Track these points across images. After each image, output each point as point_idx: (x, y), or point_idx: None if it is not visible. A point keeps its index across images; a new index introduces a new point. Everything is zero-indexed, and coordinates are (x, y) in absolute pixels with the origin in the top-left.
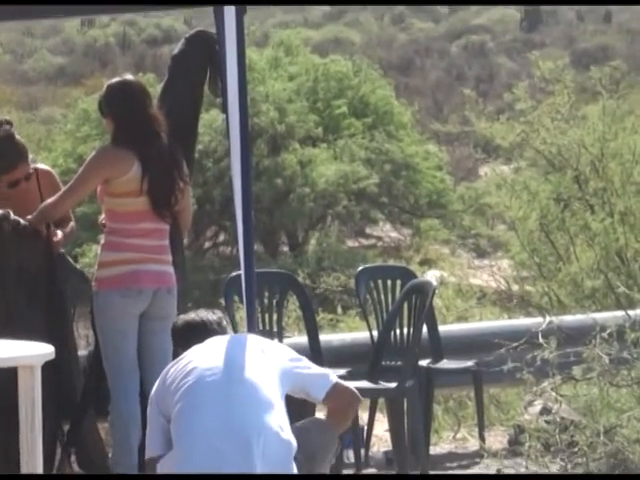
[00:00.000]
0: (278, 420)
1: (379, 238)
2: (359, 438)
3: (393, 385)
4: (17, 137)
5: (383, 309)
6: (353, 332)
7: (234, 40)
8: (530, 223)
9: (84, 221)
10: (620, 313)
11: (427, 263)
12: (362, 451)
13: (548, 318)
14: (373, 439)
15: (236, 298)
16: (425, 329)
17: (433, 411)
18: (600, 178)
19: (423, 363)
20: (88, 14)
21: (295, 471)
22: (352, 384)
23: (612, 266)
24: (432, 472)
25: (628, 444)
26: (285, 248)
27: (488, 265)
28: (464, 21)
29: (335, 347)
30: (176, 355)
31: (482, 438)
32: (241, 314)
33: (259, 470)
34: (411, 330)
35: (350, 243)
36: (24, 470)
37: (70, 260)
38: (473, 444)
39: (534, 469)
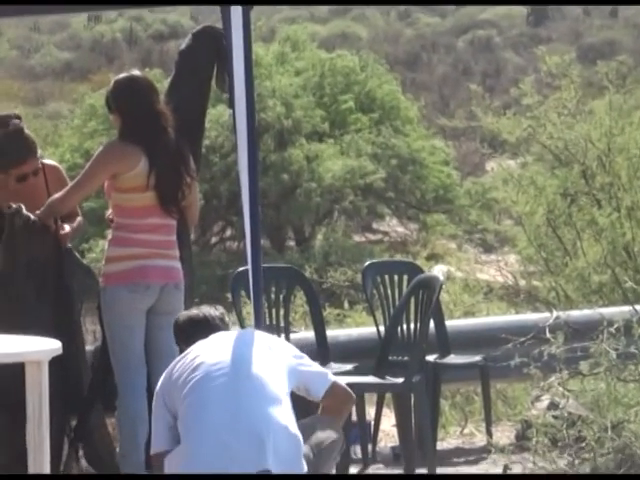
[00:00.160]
0: (285, 415)
1: (386, 233)
2: (366, 433)
3: (400, 380)
4: (26, 132)
5: (390, 304)
6: (360, 327)
7: (241, 39)
8: (537, 218)
9: (91, 216)
10: (627, 308)
11: (434, 258)
12: (369, 446)
13: (555, 313)
14: (380, 434)
15: (243, 293)
16: (432, 324)
17: (440, 406)
18: (607, 173)
19: (430, 358)
20: (95, 10)
21: (305, 466)
22: (359, 379)
23: (619, 261)
24: (439, 467)
25: (635, 439)
26: (292, 243)
27: (495, 260)
28: (470, 16)
29: (342, 342)
30: (180, 351)
31: (489, 433)
32: (248, 309)
33: (270, 464)
34: (418, 325)
35: (357, 238)
36: (31, 466)
37: (77, 255)
38: (480, 439)
39: (541, 464)
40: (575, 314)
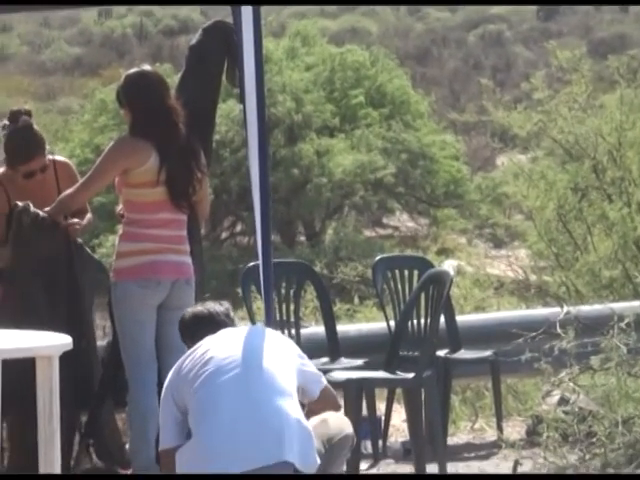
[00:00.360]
0: (297, 408)
1: (396, 228)
2: (377, 428)
3: (410, 375)
4: (35, 128)
5: (400, 299)
6: (370, 322)
7: (251, 37)
8: (547, 213)
9: (101, 211)
10: (638, 303)
11: (444, 253)
12: (380, 441)
13: (566, 308)
14: (390, 429)
15: (253, 288)
16: (442, 319)
17: (451, 401)
18: (618, 167)
19: (441, 353)
20: (105, 4)
21: (318, 460)
22: (369, 374)
23: (630, 255)
24: (450, 463)
25: None
26: (302, 238)
27: (505, 255)
28: (481, 10)
29: (352, 337)
30: (187, 348)
31: (500, 428)
32: (258, 304)
33: (288, 456)
34: (428, 320)
35: (367, 233)
36: (42, 461)
37: (88, 250)
38: (491, 434)
39: (552, 460)
40: (586, 309)
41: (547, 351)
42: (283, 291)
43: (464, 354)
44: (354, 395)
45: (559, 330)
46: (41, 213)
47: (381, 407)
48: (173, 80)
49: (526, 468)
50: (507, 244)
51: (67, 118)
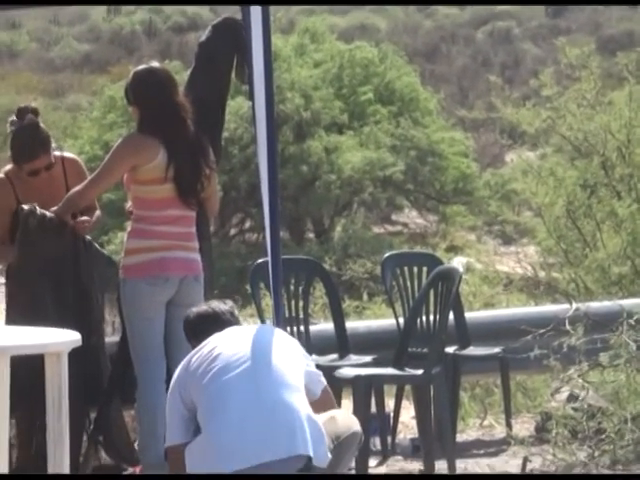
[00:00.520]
0: (306, 404)
1: (405, 225)
2: (385, 425)
3: (419, 372)
4: (41, 126)
5: (409, 296)
6: (379, 319)
7: (260, 35)
8: (556, 209)
9: (110, 208)
10: None
11: (453, 250)
12: (388, 438)
13: (575, 305)
14: (399, 426)
15: (262, 285)
16: (451, 316)
17: (460, 398)
18: (627, 164)
19: (450, 350)
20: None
21: (329, 455)
22: (378, 371)
23: (639, 252)
24: (458, 459)
25: None
26: (311, 235)
27: (514, 252)
28: (489, 7)
29: (361, 334)
30: (192, 348)
31: (509, 425)
32: (267, 301)
33: (303, 449)
34: (437, 317)
35: (376, 230)
36: (50, 458)
37: (97, 246)
38: (500, 431)
39: (561, 456)
40: (595, 305)
41: (556, 348)
42: (292, 288)
43: (473, 351)
44: (363, 392)
45: (568, 327)
46: (48, 214)
47: (390, 404)
48: (182, 77)
49: (535, 465)
50: (516, 241)
51: (76, 115)
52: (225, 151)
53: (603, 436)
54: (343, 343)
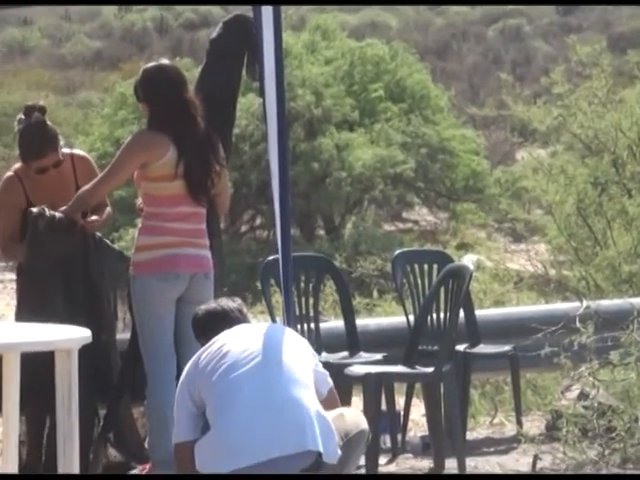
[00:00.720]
0: (315, 400)
1: (415, 222)
2: (396, 423)
3: (430, 370)
4: (49, 124)
5: (420, 293)
6: (389, 316)
7: (271, 35)
8: (567, 207)
9: (121, 205)
10: None
11: (464, 247)
12: (399, 436)
13: (585, 303)
14: (410, 424)
15: (273, 282)
16: (462, 313)
17: (470, 396)
18: (637, 162)
19: (460, 348)
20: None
21: (339, 452)
22: (388, 369)
23: None
24: (469, 457)
25: None
26: (321, 232)
27: (525, 249)
28: (500, 5)
29: (371, 331)
30: (201, 346)
31: (519, 423)
32: (278, 298)
33: (312, 445)
34: (448, 314)
35: (386, 227)
36: (60, 455)
37: (107, 242)
38: (510, 429)
39: (571, 454)
40: (605, 304)
41: (566, 346)
42: (302, 285)
43: (483, 349)
44: (373, 389)
45: (578, 325)
46: (57, 215)
47: (400, 401)
48: (193, 74)
49: (545, 463)
50: (527, 238)
51: (87, 112)
52: (236, 148)
53: (613, 434)
54: (353, 341)
